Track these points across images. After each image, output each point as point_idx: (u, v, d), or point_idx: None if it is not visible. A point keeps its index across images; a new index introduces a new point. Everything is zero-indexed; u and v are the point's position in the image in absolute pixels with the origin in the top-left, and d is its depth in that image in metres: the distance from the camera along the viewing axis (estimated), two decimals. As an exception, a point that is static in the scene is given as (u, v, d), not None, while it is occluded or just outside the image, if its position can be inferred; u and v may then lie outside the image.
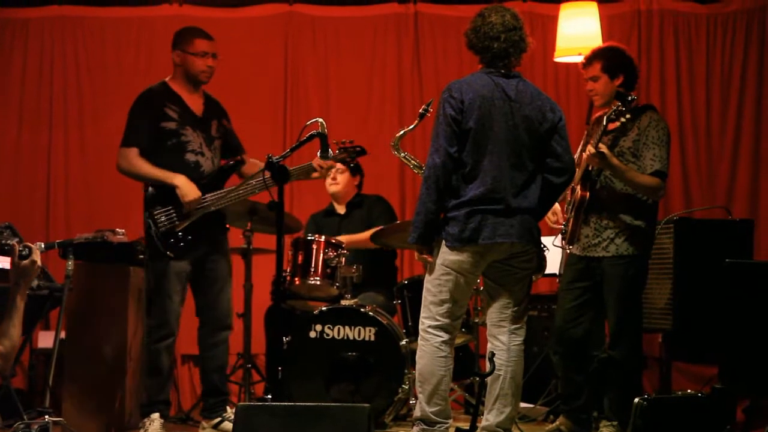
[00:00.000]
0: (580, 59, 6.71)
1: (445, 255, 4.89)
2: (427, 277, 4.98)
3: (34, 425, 4.40)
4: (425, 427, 4.94)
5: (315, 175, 5.77)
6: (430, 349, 4.92)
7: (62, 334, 5.86)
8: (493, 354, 4.86)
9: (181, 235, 5.67)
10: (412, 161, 5.62)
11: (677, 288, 5.74)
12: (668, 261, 5.84)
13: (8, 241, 3.87)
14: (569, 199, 5.62)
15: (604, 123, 5.40)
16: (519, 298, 5.00)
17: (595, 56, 5.61)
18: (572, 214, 5.56)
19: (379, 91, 7.91)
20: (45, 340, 7.04)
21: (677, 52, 7.68)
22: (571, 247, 5.65)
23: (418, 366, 4.96)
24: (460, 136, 4.84)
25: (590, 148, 5.37)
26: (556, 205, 5.64)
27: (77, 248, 5.73)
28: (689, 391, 5.02)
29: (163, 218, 5.68)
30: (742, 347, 4.73)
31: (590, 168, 5.46)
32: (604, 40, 6.88)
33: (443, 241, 4.88)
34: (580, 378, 5.73)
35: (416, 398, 5.22)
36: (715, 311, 5.25)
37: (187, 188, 5.66)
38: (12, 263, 3.83)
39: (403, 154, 5.59)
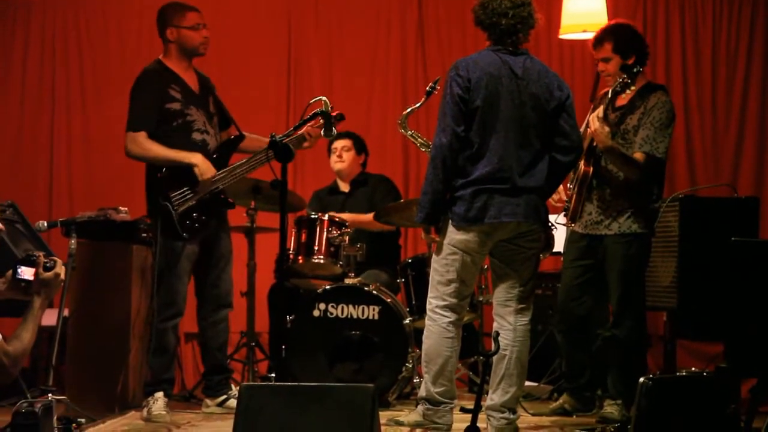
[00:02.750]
0: (585, 36, 6.70)
1: (452, 234, 4.86)
2: (434, 257, 4.97)
3: (37, 403, 4.39)
4: (430, 406, 4.93)
5: (306, 144, 5.75)
6: (437, 329, 4.90)
7: (65, 312, 5.85)
8: (498, 333, 4.85)
9: (195, 216, 5.66)
10: (419, 139, 5.59)
11: (682, 266, 5.71)
12: (673, 239, 5.82)
13: (34, 253, 3.96)
14: (572, 175, 5.59)
15: (610, 96, 5.37)
16: (525, 277, 4.98)
17: (604, 36, 5.54)
18: (575, 190, 5.54)
19: (382, 71, 7.86)
20: (48, 318, 6.95)
21: (683, 29, 7.63)
22: (573, 224, 5.63)
23: (424, 346, 4.94)
24: (467, 115, 4.80)
25: (593, 121, 5.34)
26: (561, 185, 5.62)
27: (80, 226, 5.72)
28: (694, 369, 5.02)
29: (179, 200, 5.64)
30: (747, 326, 4.71)
31: (594, 144, 5.43)
32: (609, 18, 6.83)
33: (449, 221, 4.86)
34: (583, 356, 5.74)
35: (420, 377, 5.21)
36: (720, 289, 5.23)
37: (204, 166, 5.63)
38: (36, 274, 3.90)
39: (410, 132, 5.57)
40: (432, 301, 4.95)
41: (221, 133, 5.93)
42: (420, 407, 4.99)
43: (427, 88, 5.35)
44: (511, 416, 4.95)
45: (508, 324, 4.97)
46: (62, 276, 3.96)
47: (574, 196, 5.54)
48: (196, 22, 5.77)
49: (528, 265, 5.00)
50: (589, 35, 6.68)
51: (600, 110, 5.37)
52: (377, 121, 7.67)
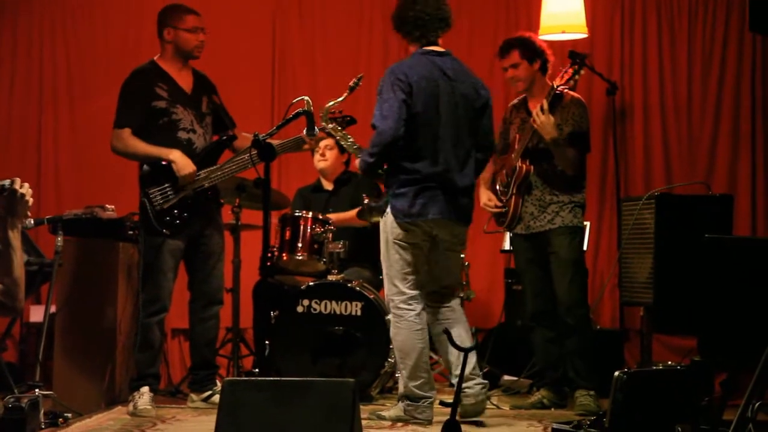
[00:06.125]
0: (564, 37, 6.82)
1: (396, 230, 5.07)
2: (383, 256, 5.14)
3: (24, 399, 4.46)
4: (410, 402, 5.03)
5: (306, 147, 5.86)
6: (406, 324, 5.05)
7: (52, 309, 5.92)
8: (448, 330, 4.92)
9: (176, 213, 5.73)
10: (339, 133, 5.54)
11: (658, 262, 5.80)
12: (649, 236, 5.90)
13: None
14: (506, 179, 5.76)
15: (554, 86, 5.55)
16: (453, 270, 5.29)
17: (511, 45, 5.83)
18: (514, 190, 5.71)
19: (365, 69, 7.89)
20: (36, 314, 7.11)
21: (659, 30, 7.70)
22: (514, 229, 5.82)
23: (396, 343, 5.08)
24: (409, 117, 4.97)
25: (538, 114, 5.51)
26: (490, 192, 5.81)
27: (67, 224, 5.80)
28: (670, 363, 5.12)
29: (158, 197, 5.72)
30: (720, 321, 4.80)
31: (530, 145, 5.66)
32: (587, 18, 6.94)
33: (393, 218, 5.02)
34: (555, 350, 5.88)
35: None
36: (695, 285, 5.32)
37: (182, 163, 5.71)
38: None
39: (330, 126, 5.55)
40: (393, 298, 5.10)
41: (230, 132, 6.01)
42: (400, 404, 5.09)
43: (351, 84, 5.37)
44: (483, 380, 5.21)
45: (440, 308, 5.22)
46: (16, 186, 3.86)
47: (513, 197, 5.71)
48: (194, 26, 5.88)
49: (456, 258, 5.30)
50: (568, 36, 6.84)
51: (544, 103, 5.54)
52: (360, 121, 7.72)
